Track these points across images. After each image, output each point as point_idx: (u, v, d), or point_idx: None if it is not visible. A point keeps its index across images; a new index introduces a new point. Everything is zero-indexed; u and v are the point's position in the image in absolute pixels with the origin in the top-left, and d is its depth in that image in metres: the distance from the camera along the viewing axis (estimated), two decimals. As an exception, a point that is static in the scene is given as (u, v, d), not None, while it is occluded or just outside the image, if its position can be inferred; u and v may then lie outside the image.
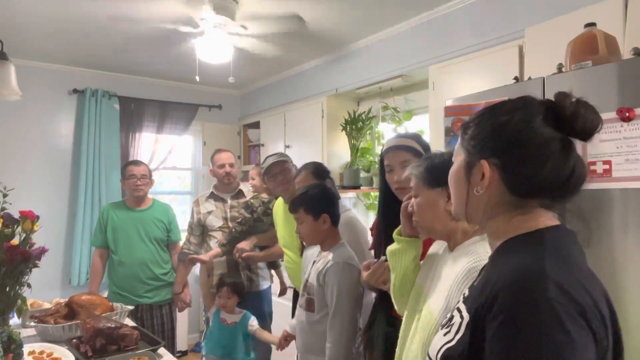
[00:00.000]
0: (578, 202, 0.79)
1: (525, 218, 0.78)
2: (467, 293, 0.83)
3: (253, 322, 2.48)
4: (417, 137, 1.62)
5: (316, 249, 1.97)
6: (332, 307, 1.75)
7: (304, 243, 2.01)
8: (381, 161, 1.62)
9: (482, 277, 0.80)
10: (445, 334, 0.80)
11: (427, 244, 1.33)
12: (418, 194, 1.21)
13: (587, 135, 0.75)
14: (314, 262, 1.93)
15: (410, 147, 1.55)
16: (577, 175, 0.76)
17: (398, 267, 1.30)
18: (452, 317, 0.81)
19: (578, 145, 0.78)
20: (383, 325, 1.57)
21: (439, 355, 0.78)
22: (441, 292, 1.09)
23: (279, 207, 2.57)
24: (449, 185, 0.90)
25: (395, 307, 1.35)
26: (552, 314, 0.63)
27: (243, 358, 2.42)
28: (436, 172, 1.16)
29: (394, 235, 1.32)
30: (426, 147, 1.60)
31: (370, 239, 2.21)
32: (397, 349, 1.22)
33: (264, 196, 2.80)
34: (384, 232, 1.54)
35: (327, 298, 1.78)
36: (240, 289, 2.52)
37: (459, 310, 0.79)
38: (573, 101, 0.75)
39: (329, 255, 1.83)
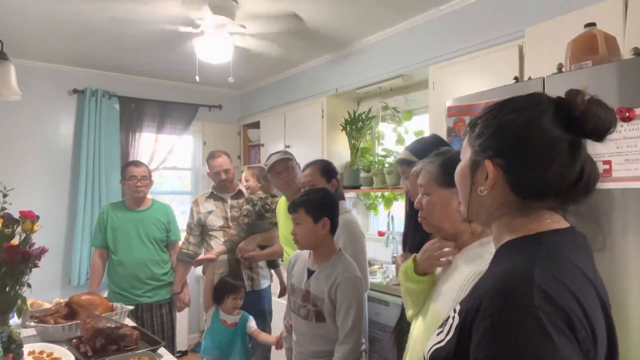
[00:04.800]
0: (591, 203, 0.76)
1: (528, 220, 0.75)
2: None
3: (251, 323, 2.47)
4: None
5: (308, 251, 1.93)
6: (349, 324, 1.72)
7: (297, 245, 1.98)
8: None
9: (478, 280, 0.79)
10: (438, 334, 0.79)
11: None
12: (430, 192, 1.17)
13: (599, 135, 0.72)
14: (309, 270, 1.87)
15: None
16: (587, 177, 0.73)
17: (419, 302, 1.24)
18: (448, 318, 0.80)
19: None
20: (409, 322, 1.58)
21: (428, 355, 0.78)
22: (449, 294, 1.08)
23: (282, 204, 2.59)
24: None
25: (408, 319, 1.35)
26: (537, 322, 0.61)
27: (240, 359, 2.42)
28: (452, 171, 1.14)
29: (413, 276, 1.24)
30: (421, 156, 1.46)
31: (366, 244, 2.20)
32: (405, 352, 1.22)
33: (260, 193, 2.80)
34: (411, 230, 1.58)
35: (339, 313, 1.75)
36: (239, 288, 2.52)
37: (454, 311, 0.78)
38: (585, 100, 0.72)
39: (335, 271, 1.78)
